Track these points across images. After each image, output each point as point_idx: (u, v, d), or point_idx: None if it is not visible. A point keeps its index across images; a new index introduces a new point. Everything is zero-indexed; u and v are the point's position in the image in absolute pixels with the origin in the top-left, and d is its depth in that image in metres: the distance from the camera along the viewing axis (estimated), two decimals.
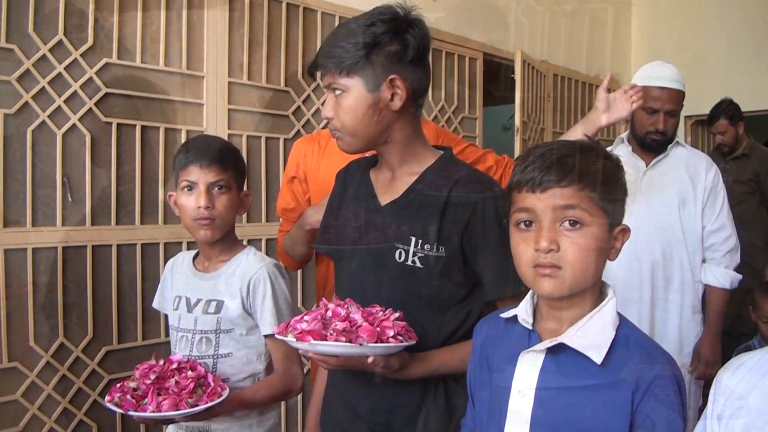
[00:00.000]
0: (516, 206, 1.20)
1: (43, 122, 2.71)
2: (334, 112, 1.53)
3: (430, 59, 4.11)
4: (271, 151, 3.48)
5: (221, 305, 1.85)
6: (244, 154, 3.26)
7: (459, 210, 1.51)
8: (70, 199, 2.80)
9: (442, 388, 1.54)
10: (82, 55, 2.81)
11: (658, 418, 1.11)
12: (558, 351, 1.18)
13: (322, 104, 1.78)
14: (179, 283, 1.96)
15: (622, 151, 2.85)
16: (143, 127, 3.01)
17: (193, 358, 1.80)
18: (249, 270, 1.87)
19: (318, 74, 1.60)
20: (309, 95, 3.60)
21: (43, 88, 2.70)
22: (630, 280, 2.71)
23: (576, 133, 2.30)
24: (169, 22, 3.09)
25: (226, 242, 1.92)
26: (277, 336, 1.46)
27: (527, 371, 1.20)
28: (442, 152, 1.64)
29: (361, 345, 1.32)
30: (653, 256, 2.73)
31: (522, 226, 1.19)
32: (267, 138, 3.45)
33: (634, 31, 6.44)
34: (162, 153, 3.05)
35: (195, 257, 1.99)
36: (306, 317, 1.41)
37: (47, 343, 2.73)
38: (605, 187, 1.16)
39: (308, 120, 3.60)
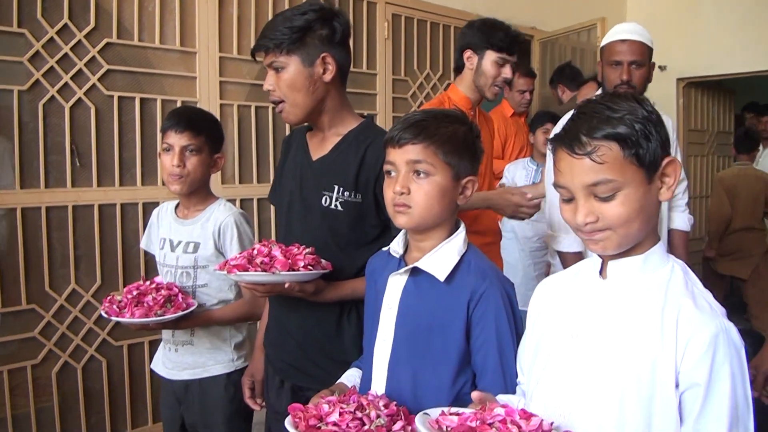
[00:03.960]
0: (385, 158, 1.54)
1: (53, 97, 3.11)
2: (275, 86, 1.87)
3: (415, 29, 4.44)
4: (260, 119, 3.84)
5: (198, 246, 2.23)
6: (235, 123, 3.65)
7: (372, 164, 1.85)
8: (78, 164, 3.20)
9: (355, 311, 1.89)
10: (85, 37, 3.19)
11: (486, 320, 1.45)
12: (417, 273, 1.52)
13: None
14: (164, 228, 2.34)
15: None
16: (142, 100, 3.39)
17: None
18: (219, 217, 2.24)
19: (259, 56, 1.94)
20: None
21: (52, 67, 3.09)
22: None
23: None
24: (163, 3, 3.45)
25: (200, 195, 2.28)
26: (216, 270, 1.84)
27: (394, 289, 1.54)
28: (364, 119, 1.98)
29: (274, 273, 1.69)
30: None
31: (388, 174, 1.53)
32: (257, 107, 3.81)
33: None
34: (159, 122, 3.42)
35: (176, 207, 2.36)
36: (238, 255, 1.79)
37: (61, 289, 3.16)
38: (450, 146, 1.49)
39: None
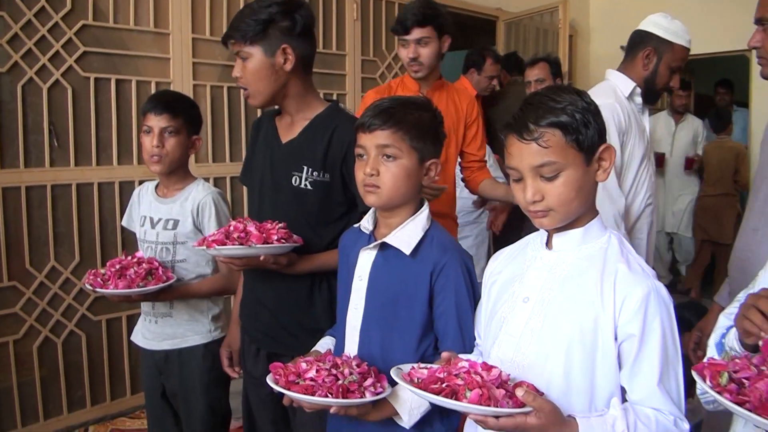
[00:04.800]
0: (357, 143, 1.67)
1: (31, 79, 3.19)
2: (242, 73, 2.00)
3: (384, 11, 4.55)
4: (233, 99, 3.95)
5: (177, 223, 2.35)
6: (208, 103, 3.74)
7: (339, 145, 1.99)
8: (56, 144, 3.28)
9: (326, 282, 2.04)
10: (62, 19, 3.26)
11: (447, 290, 1.59)
12: (385, 248, 1.66)
13: None
14: (144, 206, 2.45)
15: (637, 102, 2.73)
16: (117, 81, 3.48)
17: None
18: (198, 196, 2.37)
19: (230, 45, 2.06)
20: None
21: (30, 49, 3.17)
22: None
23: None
24: None
25: (179, 174, 2.40)
26: (194, 246, 1.97)
27: (364, 263, 1.69)
28: (330, 103, 2.12)
29: (250, 246, 1.83)
30: None
31: (359, 156, 1.66)
32: (229, 87, 3.91)
33: None
34: (135, 102, 3.52)
35: (157, 186, 2.48)
36: (216, 231, 1.92)
37: (41, 266, 3.27)
38: (416, 132, 1.62)
39: None
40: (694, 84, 7.52)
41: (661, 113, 6.54)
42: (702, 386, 1.14)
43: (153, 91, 3.56)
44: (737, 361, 1.14)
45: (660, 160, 6.23)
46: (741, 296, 1.46)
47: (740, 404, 1.06)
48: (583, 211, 1.39)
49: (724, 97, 6.71)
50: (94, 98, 3.39)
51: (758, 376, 1.08)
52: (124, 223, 2.56)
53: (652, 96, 2.76)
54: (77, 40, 3.30)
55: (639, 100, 2.70)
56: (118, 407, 3.62)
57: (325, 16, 4.39)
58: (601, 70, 2.84)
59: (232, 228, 1.89)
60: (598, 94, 2.47)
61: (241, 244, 1.83)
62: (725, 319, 1.41)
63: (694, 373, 1.19)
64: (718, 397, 1.09)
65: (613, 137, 2.43)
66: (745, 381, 1.09)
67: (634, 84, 2.67)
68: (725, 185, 5.95)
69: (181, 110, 2.33)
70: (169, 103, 2.32)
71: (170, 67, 3.66)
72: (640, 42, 2.68)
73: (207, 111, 3.81)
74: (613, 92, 2.64)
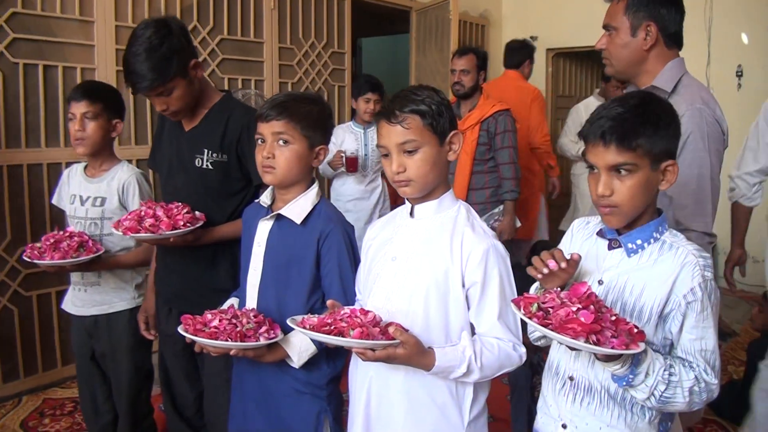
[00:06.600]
0: (256, 130, 1.96)
1: None
2: (168, 104, 2.23)
3: (300, 2, 4.79)
4: None
5: (104, 200, 2.60)
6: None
7: (234, 130, 2.30)
8: None
9: (228, 248, 2.34)
10: None
11: (331, 253, 1.91)
12: (280, 218, 1.96)
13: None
14: (74, 186, 2.68)
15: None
16: (45, 66, 3.66)
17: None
18: (123, 176, 2.62)
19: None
20: None
21: None
22: None
23: None
24: None
25: (104, 156, 2.64)
26: (112, 227, 2.27)
27: (262, 231, 1.98)
28: (224, 94, 2.42)
29: (161, 234, 2.13)
30: None
31: (258, 142, 1.95)
32: None
33: None
34: (61, 88, 3.70)
35: (85, 167, 2.71)
36: (129, 216, 2.20)
37: None
38: (306, 122, 1.91)
39: None
40: (601, 72, 7.94)
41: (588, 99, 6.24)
42: (516, 313, 1.49)
43: (79, 76, 3.76)
44: (547, 295, 1.48)
45: None
46: None
47: (545, 326, 1.40)
48: (438, 185, 1.73)
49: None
50: (23, 83, 3.56)
51: (560, 305, 1.42)
52: (54, 201, 2.78)
53: None
54: (7, 27, 3.46)
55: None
56: (50, 378, 3.82)
57: (243, 5, 4.60)
58: None
59: (143, 214, 2.17)
60: None
61: (153, 232, 2.13)
62: None
63: (511, 305, 1.53)
64: (528, 321, 1.43)
65: None
66: (550, 309, 1.43)
67: None
68: None
69: (99, 96, 2.55)
70: (87, 90, 2.56)
71: (95, 53, 3.84)
72: None
73: (129, 95, 3.94)
74: None
